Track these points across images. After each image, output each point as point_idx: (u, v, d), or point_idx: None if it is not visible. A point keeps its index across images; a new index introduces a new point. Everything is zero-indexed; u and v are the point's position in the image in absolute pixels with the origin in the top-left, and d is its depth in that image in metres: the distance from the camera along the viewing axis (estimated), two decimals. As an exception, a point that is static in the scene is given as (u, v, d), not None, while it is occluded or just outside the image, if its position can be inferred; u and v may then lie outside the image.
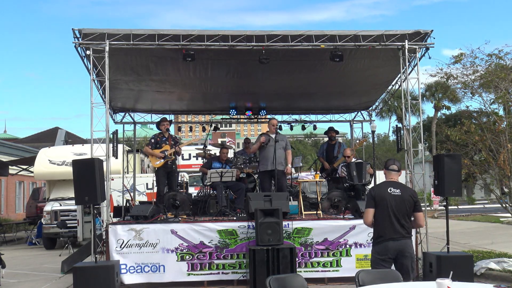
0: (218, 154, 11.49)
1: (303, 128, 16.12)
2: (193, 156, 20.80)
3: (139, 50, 9.48)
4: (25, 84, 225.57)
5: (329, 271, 8.59)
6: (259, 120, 15.69)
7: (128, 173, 15.35)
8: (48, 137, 34.76)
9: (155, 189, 10.43)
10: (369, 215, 5.40)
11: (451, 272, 3.78)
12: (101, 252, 8.87)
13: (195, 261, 8.47)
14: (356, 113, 15.40)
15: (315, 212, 9.67)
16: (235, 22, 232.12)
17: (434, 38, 9.38)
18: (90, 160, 8.27)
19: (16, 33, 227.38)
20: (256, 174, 11.17)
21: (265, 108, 14.61)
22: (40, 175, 17.29)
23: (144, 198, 15.16)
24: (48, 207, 15.67)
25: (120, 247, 8.39)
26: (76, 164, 8.19)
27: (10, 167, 20.46)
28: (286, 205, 8.65)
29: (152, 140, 10.21)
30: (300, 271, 8.17)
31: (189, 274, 8.45)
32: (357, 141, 13.98)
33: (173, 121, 14.28)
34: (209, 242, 8.48)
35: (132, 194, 13.46)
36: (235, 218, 9.06)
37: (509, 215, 13.45)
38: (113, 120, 13.95)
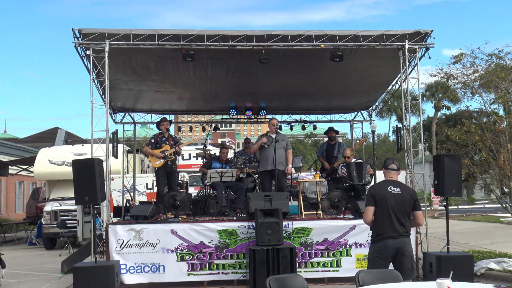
0: (218, 154, 11.49)
1: (303, 128, 16.12)
2: (193, 156, 20.78)
3: (139, 50, 9.47)
4: (25, 84, 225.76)
5: (329, 271, 8.59)
6: (259, 120, 15.69)
7: (128, 173, 15.34)
8: (48, 137, 34.76)
9: (155, 189, 10.42)
10: (370, 214, 5.42)
11: (451, 272, 3.78)
12: (101, 252, 8.87)
13: (195, 261, 8.47)
14: (356, 113, 15.41)
15: (315, 212, 9.67)
16: (235, 22, 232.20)
17: (434, 38, 9.39)
18: (90, 160, 8.26)
19: (16, 33, 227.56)
20: (256, 174, 11.17)
21: (265, 108, 14.61)
22: (40, 175, 17.28)
23: (144, 198, 15.15)
24: (48, 207, 15.67)
25: (120, 247, 8.39)
26: (76, 164, 8.18)
27: (10, 167, 20.46)
28: (286, 205, 8.65)
29: (152, 140, 10.21)
30: (300, 271, 8.17)
31: (189, 274, 8.44)
32: (357, 141, 13.98)
33: (173, 121, 14.27)
34: (209, 242, 8.47)
35: (132, 194, 13.46)
36: (235, 218, 9.06)
37: (509, 215, 13.45)
38: (113, 120, 13.95)
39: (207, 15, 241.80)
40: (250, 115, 14.67)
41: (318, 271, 8.59)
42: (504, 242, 12.41)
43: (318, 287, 8.29)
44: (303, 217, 9.23)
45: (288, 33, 9.27)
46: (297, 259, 8.21)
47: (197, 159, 19.62)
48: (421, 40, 9.40)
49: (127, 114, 14.38)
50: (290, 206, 8.96)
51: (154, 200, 10.45)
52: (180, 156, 11.17)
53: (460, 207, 26.69)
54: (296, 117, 15.64)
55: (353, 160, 10.75)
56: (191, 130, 17.93)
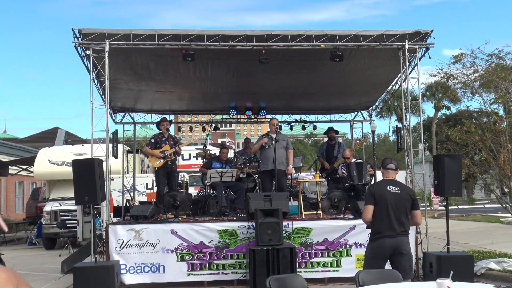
0: (218, 154, 11.49)
1: (303, 128, 16.12)
2: (193, 156, 20.77)
3: (139, 50, 9.47)
4: (25, 84, 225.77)
5: (329, 271, 8.59)
6: (259, 120, 15.68)
7: (128, 173, 15.34)
8: (48, 137, 34.74)
9: (155, 189, 10.42)
10: (369, 212, 5.44)
11: (451, 272, 3.77)
12: (101, 252, 8.87)
13: (195, 261, 8.46)
14: (356, 113, 15.40)
15: (315, 212, 9.66)
16: (235, 22, 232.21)
17: (434, 38, 9.39)
18: (90, 160, 8.26)
19: (16, 33, 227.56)
20: (256, 174, 11.17)
21: (265, 108, 14.61)
22: (40, 175, 17.28)
23: (144, 198, 15.14)
24: (48, 207, 15.66)
25: (120, 247, 8.39)
26: (76, 164, 8.18)
27: (10, 167, 20.43)
28: (286, 205, 8.65)
29: (152, 140, 10.21)
30: (300, 271, 8.16)
31: (189, 274, 8.44)
32: (357, 141, 13.98)
33: (173, 121, 14.27)
34: (209, 242, 8.47)
35: (132, 194, 13.45)
36: (235, 218, 9.06)
37: (509, 215, 13.44)
38: (113, 120, 13.95)
39: (207, 15, 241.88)
40: (250, 115, 14.66)
41: (318, 271, 8.58)
42: (504, 242, 12.40)
43: (318, 287, 8.29)
44: (303, 217, 9.22)
45: (288, 33, 9.26)
46: (297, 259, 8.21)
47: (197, 159, 19.61)
48: (421, 40, 9.40)
49: (127, 114, 14.38)
50: (290, 206, 8.96)
51: (154, 200, 10.45)
52: (180, 156, 11.16)
53: (460, 207, 26.68)
54: (296, 117, 15.64)
55: (353, 160, 10.75)
56: (191, 130, 17.92)
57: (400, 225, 5.40)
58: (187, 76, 11.49)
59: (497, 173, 10.18)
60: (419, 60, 9.53)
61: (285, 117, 15.68)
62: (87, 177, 7.92)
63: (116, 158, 10.02)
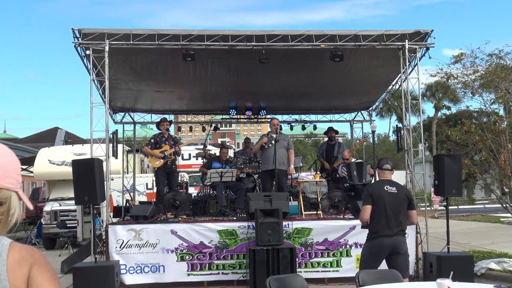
0: (218, 154, 11.48)
1: (303, 128, 16.12)
2: (193, 156, 20.77)
3: (139, 50, 9.47)
4: (25, 84, 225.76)
5: (329, 271, 8.58)
6: (259, 120, 15.68)
7: (128, 173, 15.33)
8: (47, 137, 34.70)
9: (155, 189, 10.41)
10: (367, 212, 5.48)
11: (452, 272, 3.77)
12: (101, 252, 8.86)
13: (195, 261, 8.46)
14: (356, 113, 15.40)
15: (315, 212, 9.66)
16: (235, 22, 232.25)
17: (434, 38, 9.39)
18: (90, 160, 8.26)
19: (16, 33, 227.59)
20: (256, 174, 11.17)
21: (265, 108, 14.61)
22: (40, 175, 17.26)
23: (144, 198, 15.13)
24: (47, 207, 15.65)
25: (120, 247, 8.38)
26: (76, 164, 8.17)
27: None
28: (286, 205, 8.64)
29: (152, 140, 10.20)
30: (300, 272, 8.16)
31: (189, 275, 8.44)
32: (357, 141, 13.97)
33: (173, 121, 14.26)
34: (209, 243, 8.46)
35: (132, 194, 13.45)
36: (235, 218, 9.05)
37: (509, 215, 13.44)
38: (113, 120, 13.94)
39: (207, 15, 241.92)
40: (250, 115, 14.66)
41: (318, 271, 8.58)
42: (504, 242, 12.39)
43: (318, 287, 8.28)
44: (303, 217, 9.22)
45: (288, 33, 9.26)
46: (297, 259, 8.21)
47: (197, 159, 19.61)
48: (421, 40, 9.39)
49: (127, 114, 14.38)
50: (290, 206, 8.95)
51: (154, 200, 10.44)
52: (180, 156, 11.16)
53: (460, 207, 26.66)
54: (296, 117, 15.64)
55: (353, 160, 10.74)
56: (191, 130, 17.92)
57: (397, 224, 5.45)
58: (187, 76, 11.48)
59: (497, 173, 10.17)
60: (419, 60, 9.53)
61: (285, 117, 15.68)
62: (87, 177, 7.92)
63: (116, 158, 10.01)
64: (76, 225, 14.39)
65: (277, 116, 14.98)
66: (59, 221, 14.97)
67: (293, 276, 4.86)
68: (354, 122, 15.58)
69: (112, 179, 10.63)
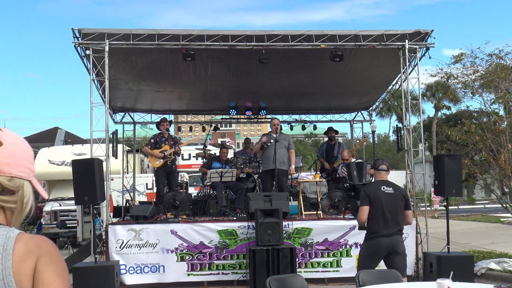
0: (218, 154, 11.48)
1: (303, 128, 16.11)
2: (193, 156, 20.76)
3: (139, 50, 9.46)
4: (25, 84, 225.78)
5: (329, 271, 8.58)
6: (259, 120, 15.68)
7: (128, 173, 15.32)
8: (47, 137, 34.68)
9: (155, 189, 10.41)
10: (365, 213, 5.52)
11: (452, 272, 3.76)
12: (101, 253, 8.85)
13: (195, 261, 8.45)
14: (356, 113, 15.39)
15: (315, 212, 9.66)
16: (235, 22, 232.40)
17: (434, 38, 9.39)
18: (89, 160, 8.25)
19: (16, 33, 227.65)
20: (256, 174, 11.16)
21: (265, 108, 14.60)
22: (40, 175, 17.20)
23: (144, 198, 15.12)
24: (47, 207, 15.64)
25: (120, 247, 8.38)
26: (75, 164, 8.17)
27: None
28: (286, 205, 8.64)
29: (152, 140, 10.20)
30: (300, 272, 8.16)
31: (189, 275, 8.43)
32: (357, 141, 13.97)
33: (173, 121, 14.25)
34: (209, 243, 8.46)
35: (131, 194, 13.44)
36: (235, 218, 9.05)
37: (509, 215, 13.43)
38: (113, 120, 13.94)
39: (207, 15, 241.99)
40: (250, 115, 14.65)
41: (318, 271, 8.58)
42: (505, 242, 12.39)
43: (318, 287, 8.28)
44: (303, 217, 9.22)
45: (288, 33, 9.26)
46: (297, 259, 8.20)
47: (197, 159, 19.60)
48: (421, 40, 9.39)
49: (127, 114, 14.37)
50: (290, 206, 8.95)
51: (154, 200, 10.43)
52: (180, 156, 11.15)
53: (460, 207, 26.65)
54: (296, 117, 15.63)
55: (353, 160, 10.74)
56: (191, 130, 17.90)
57: (395, 224, 5.51)
58: (187, 76, 11.48)
59: (497, 173, 10.17)
60: (419, 60, 9.52)
61: (285, 117, 15.67)
62: (87, 177, 7.91)
63: (116, 158, 10.01)
64: (76, 225, 14.38)
65: (277, 116, 14.97)
66: (59, 221, 14.97)
67: (293, 276, 4.85)
68: (354, 122, 15.58)
69: (112, 179, 10.62)
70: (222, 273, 8.49)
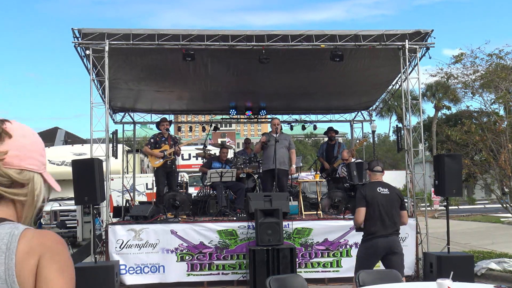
0: (218, 154, 11.47)
1: (303, 128, 16.11)
2: (193, 156, 20.75)
3: (139, 50, 9.46)
4: (25, 84, 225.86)
5: (330, 271, 8.58)
6: (259, 120, 15.67)
7: (127, 173, 15.32)
8: (47, 137, 34.58)
9: (155, 189, 10.40)
10: (362, 214, 5.57)
11: (452, 273, 3.76)
12: (101, 253, 8.85)
13: (195, 261, 8.45)
14: (356, 113, 15.39)
15: (315, 212, 9.65)
16: (235, 22, 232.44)
17: (434, 38, 9.38)
18: (89, 160, 8.24)
19: (16, 32, 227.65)
20: (256, 174, 11.16)
21: (265, 108, 14.60)
22: (40, 175, 17.24)
23: (144, 198, 15.12)
24: (47, 207, 15.63)
25: (120, 247, 8.37)
26: (75, 164, 8.16)
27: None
28: (286, 205, 8.63)
29: (152, 140, 10.19)
30: (300, 272, 8.15)
31: (189, 275, 8.43)
32: (357, 141, 13.97)
33: (173, 121, 14.25)
34: (209, 243, 8.45)
35: (131, 194, 13.44)
36: (235, 218, 9.04)
37: (509, 215, 13.42)
38: (113, 120, 13.94)
39: (207, 15, 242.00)
40: (250, 115, 14.65)
41: (318, 271, 8.57)
42: (505, 242, 12.38)
43: (318, 287, 8.27)
44: (303, 217, 9.21)
45: (288, 33, 9.25)
46: (297, 260, 8.19)
47: (197, 159, 19.59)
48: (422, 40, 9.38)
49: (126, 114, 14.37)
50: (290, 206, 8.94)
51: (154, 200, 10.43)
52: (180, 156, 11.14)
53: (460, 207, 26.65)
54: (296, 117, 15.63)
55: (353, 160, 10.73)
56: (191, 130, 17.90)
57: (392, 225, 5.57)
58: (187, 76, 11.47)
59: (497, 173, 10.16)
60: (419, 60, 9.52)
61: (285, 117, 15.67)
62: (87, 177, 7.90)
63: (116, 158, 10.00)
64: (76, 225, 14.38)
65: (277, 116, 14.97)
66: (58, 221, 14.96)
67: (293, 276, 4.85)
68: (354, 122, 15.57)
69: (112, 179, 10.62)
70: (222, 273, 8.49)
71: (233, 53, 9.64)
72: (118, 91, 12.01)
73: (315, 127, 15.93)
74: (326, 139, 12.59)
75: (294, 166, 10.03)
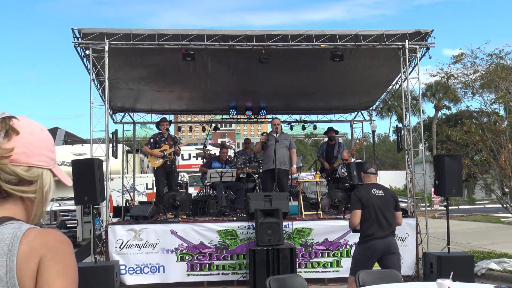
0: (218, 154, 11.47)
1: (303, 128, 16.10)
2: (193, 156, 20.76)
3: (138, 50, 9.45)
4: (25, 84, 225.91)
5: (330, 271, 8.57)
6: (259, 120, 15.67)
7: (127, 173, 15.32)
8: (48, 137, 34.57)
9: (155, 189, 10.40)
10: (358, 217, 5.63)
11: (452, 273, 3.76)
12: (101, 253, 8.85)
13: (195, 261, 8.44)
14: (356, 113, 15.39)
15: (315, 212, 9.65)
16: (235, 22, 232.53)
17: (434, 38, 9.38)
18: (89, 160, 8.24)
19: (16, 32, 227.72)
20: (256, 174, 11.15)
21: (265, 108, 14.59)
22: (40, 175, 17.23)
23: (144, 198, 15.12)
24: (47, 207, 15.63)
25: (120, 247, 8.37)
26: (75, 164, 8.16)
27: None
28: (286, 205, 8.63)
29: (151, 140, 10.19)
30: (300, 272, 8.14)
31: (188, 275, 8.42)
32: (357, 141, 13.96)
33: (173, 121, 14.24)
34: (209, 243, 8.45)
35: (131, 194, 13.43)
36: (235, 218, 9.04)
37: (510, 215, 13.42)
38: (113, 120, 13.93)
39: (207, 15, 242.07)
40: (250, 115, 14.65)
41: (318, 271, 8.57)
42: (505, 242, 12.38)
43: (318, 287, 8.27)
44: (303, 217, 9.21)
45: (288, 33, 9.25)
46: (297, 260, 8.19)
47: (197, 159, 19.60)
48: (422, 40, 9.38)
49: (126, 114, 14.37)
50: (290, 206, 8.94)
51: (154, 200, 10.42)
52: (180, 156, 11.14)
53: (460, 207, 26.64)
54: (296, 117, 15.63)
55: (353, 160, 10.73)
56: (191, 130, 17.90)
57: (388, 226, 5.61)
58: (187, 76, 11.47)
59: (497, 173, 10.15)
60: (420, 60, 9.52)
61: (285, 117, 15.66)
62: (87, 177, 7.90)
63: (116, 158, 10.00)
64: (75, 225, 14.37)
65: (277, 116, 14.97)
66: (58, 221, 14.96)
67: (293, 276, 4.85)
68: (354, 122, 15.57)
69: (112, 179, 10.61)
70: (222, 273, 8.48)
71: (233, 53, 9.63)
72: (118, 91, 12.00)
73: (315, 127, 15.93)
74: (326, 139, 12.58)
75: (294, 166, 10.02)
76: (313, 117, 15.59)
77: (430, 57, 9.62)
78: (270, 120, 13.28)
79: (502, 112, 11.16)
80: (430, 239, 8.98)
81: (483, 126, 10.31)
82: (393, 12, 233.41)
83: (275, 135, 9.77)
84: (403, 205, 12.03)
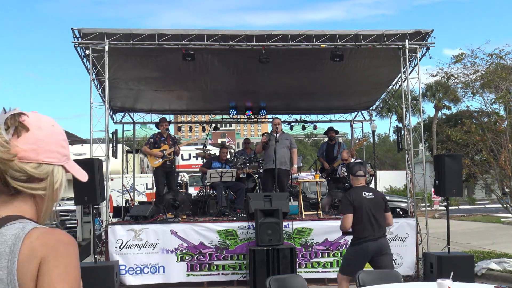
0: (218, 154, 11.47)
1: (303, 128, 16.10)
2: (193, 156, 20.75)
3: (138, 50, 9.45)
4: (25, 84, 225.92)
5: (330, 271, 8.56)
6: (259, 120, 15.66)
7: (127, 173, 15.31)
8: (48, 137, 34.61)
9: (155, 189, 10.39)
10: (350, 221, 5.70)
11: (452, 273, 3.75)
12: (101, 253, 8.84)
13: (195, 261, 8.44)
14: (356, 113, 15.39)
15: (315, 212, 9.64)
16: (235, 22, 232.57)
17: (434, 38, 9.38)
18: (89, 160, 8.23)
19: (16, 32, 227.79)
20: (256, 174, 11.15)
21: (265, 108, 14.59)
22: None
23: (144, 198, 15.12)
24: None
25: (120, 247, 8.36)
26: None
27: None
28: (286, 205, 8.62)
29: (151, 140, 10.18)
30: (301, 272, 8.14)
31: (188, 275, 8.42)
32: (357, 141, 13.96)
33: (172, 121, 14.24)
34: (209, 243, 8.44)
35: (131, 194, 13.43)
36: (235, 218, 9.03)
37: (510, 215, 13.41)
38: (113, 120, 13.93)
39: (207, 15, 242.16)
40: (250, 115, 14.64)
41: (318, 271, 8.57)
42: (505, 242, 12.37)
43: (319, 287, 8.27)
44: (303, 217, 9.20)
45: (288, 33, 9.24)
46: (297, 260, 8.19)
47: (197, 159, 19.58)
48: (422, 39, 9.38)
49: (126, 114, 14.36)
50: (290, 206, 8.93)
51: (154, 200, 10.42)
52: (180, 156, 11.13)
53: (460, 207, 26.64)
54: (296, 117, 15.62)
55: (353, 160, 10.72)
56: (191, 130, 17.90)
57: (379, 228, 5.66)
58: (187, 76, 11.46)
59: (497, 173, 10.15)
60: (420, 60, 9.52)
61: (285, 117, 15.65)
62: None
63: (116, 158, 9.99)
64: (75, 225, 14.36)
65: (277, 116, 14.96)
66: (58, 221, 14.95)
67: (293, 277, 4.85)
68: (354, 122, 15.57)
69: (112, 179, 10.61)
70: (222, 274, 8.48)
71: (233, 53, 9.63)
72: (118, 91, 12.00)
73: (315, 127, 15.93)
74: (326, 139, 12.58)
75: (295, 165, 10.01)
76: (313, 117, 15.59)
77: (430, 57, 9.62)
78: (270, 120, 13.28)
79: (502, 112, 11.16)
80: (430, 239, 8.98)
81: (483, 126, 10.31)
82: (393, 12, 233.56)
83: (275, 135, 9.77)
84: (403, 205, 12.08)
